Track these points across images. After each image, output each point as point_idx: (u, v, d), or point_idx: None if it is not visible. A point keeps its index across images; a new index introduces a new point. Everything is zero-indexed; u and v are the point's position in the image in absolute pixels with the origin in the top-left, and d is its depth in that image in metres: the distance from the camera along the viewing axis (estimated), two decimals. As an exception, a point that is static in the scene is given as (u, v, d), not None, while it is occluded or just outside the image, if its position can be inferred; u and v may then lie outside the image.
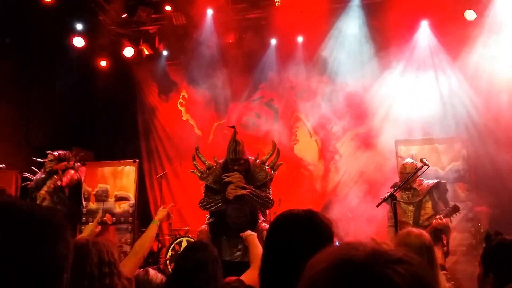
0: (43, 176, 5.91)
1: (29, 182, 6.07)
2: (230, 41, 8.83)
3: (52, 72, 8.35)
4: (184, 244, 7.06)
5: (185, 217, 8.78)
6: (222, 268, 2.38)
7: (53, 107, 8.69)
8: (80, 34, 8.66)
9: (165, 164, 9.54)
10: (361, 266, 0.64)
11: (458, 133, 7.21)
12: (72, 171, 6.02)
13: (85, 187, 7.97)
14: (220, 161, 5.08)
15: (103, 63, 9.27)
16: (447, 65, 7.93)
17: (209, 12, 8.63)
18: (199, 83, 9.37)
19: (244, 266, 2.78)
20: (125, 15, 8.90)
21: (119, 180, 8.11)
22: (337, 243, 1.02)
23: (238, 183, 4.74)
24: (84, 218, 7.66)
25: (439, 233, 5.08)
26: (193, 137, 9.38)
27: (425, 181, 5.47)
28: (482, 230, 6.29)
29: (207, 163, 5.11)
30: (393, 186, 5.40)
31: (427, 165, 4.51)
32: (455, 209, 5.16)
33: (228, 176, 4.79)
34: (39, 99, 8.54)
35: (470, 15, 7.48)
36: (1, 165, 6.57)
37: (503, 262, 1.89)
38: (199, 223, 5.51)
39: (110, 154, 9.01)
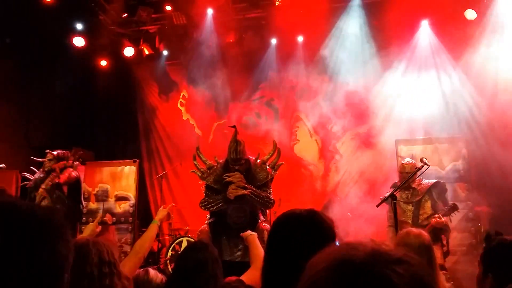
0: (42, 175, 5.90)
1: (27, 182, 6.06)
2: (231, 40, 8.83)
3: (52, 72, 8.35)
4: (184, 244, 7.06)
5: (185, 217, 8.78)
6: (223, 268, 2.38)
7: (53, 107, 8.69)
8: (80, 34, 8.66)
9: (165, 164, 9.54)
10: (360, 266, 0.64)
11: (459, 133, 7.21)
12: (70, 169, 6.01)
13: (86, 187, 7.99)
14: (221, 161, 5.08)
15: (103, 63, 9.27)
16: (448, 64, 7.93)
17: (209, 11, 8.64)
18: (199, 83, 9.38)
19: (244, 266, 2.77)
20: (125, 14, 8.91)
21: (119, 180, 8.12)
22: (337, 243, 1.02)
23: (239, 183, 4.74)
24: (84, 218, 7.66)
25: (439, 233, 5.08)
26: (193, 137, 9.38)
27: (424, 181, 5.48)
28: (482, 230, 6.29)
29: (207, 162, 5.11)
30: (392, 186, 5.40)
31: (428, 165, 4.51)
32: (454, 208, 5.17)
33: (229, 176, 4.79)
34: (39, 99, 8.54)
35: (470, 14, 7.48)
36: (1, 165, 6.57)
37: (503, 262, 1.89)
38: (199, 223, 5.51)
39: (110, 154, 9.02)
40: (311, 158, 8.97)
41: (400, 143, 7.05)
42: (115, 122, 9.94)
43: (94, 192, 8.05)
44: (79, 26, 8.69)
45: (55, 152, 5.99)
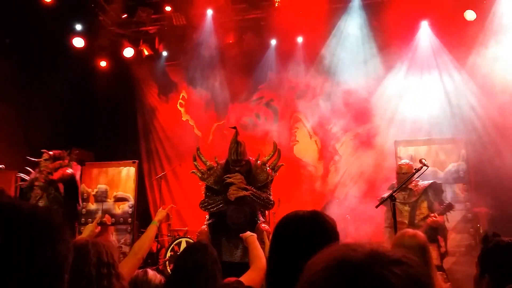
0: (37, 175, 5.87)
1: (22, 183, 6.03)
2: (230, 41, 8.84)
3: (52, 72, 8.35)
4: (183, 245, 7.05)
5: (184, 218, 8.78)
6: (222, 269, 2.38)
7: (53, 107, 8.69)
8: (80, 34, 8.67)
9: (165, 164, 9.54)
10: (359, 266, 0.65)
11: (458, 134, 7.21)
12: (65, 168, 5.95)
13: (85, 188, 7.99)
14: (221, 162, 5.08)
15: (103, 63, 9.27)
16: (447, 66, 7.94)
17: (209, 12, 8.65)
18: (199, 83, 9.39)
19: (244, 267, 2.78)
20: (125, 15, 8.91)
21: (119, 181, 8.12)
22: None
23: (240, 184, 4.75)
24: (83, 219, 7.67)
25: (435, 234, 5.08)
26: (192, 137, 9.38)
27: (421, 182, 5.48)
28: (481, 231, 6.30)
29: (208, 163, 5.12)
30: (390, 187, 5.41)
31: (427, 166, 4.52)
32: (450, 207, 5.18)
33: (230, 177, 4.80)
34: (39, 99, 8.54)
35: (470, 15, 7.49)
36: (0, 166, 6.55)
37: (500, 263, 1.89)
38: (199, 224, 5.51)
39: (109, 154, 9.01)
40: (311, 159, 8.98)
41: (399, 144, 7.06)
42: (114, 122, 9.94)
43: (93, 193, 8.05)
44: (78, 27, 8.70)
45: (51, 152, 5.97)
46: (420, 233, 2.63)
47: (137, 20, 8.86)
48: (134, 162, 8.24)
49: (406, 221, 5.25)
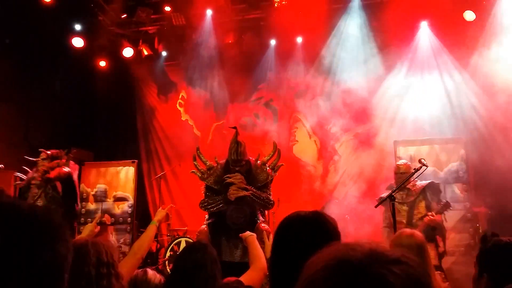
0: (35, 175, 5.86)
1: (19, 182, 6.02)
2: (230, 41, 8.84)
3: (51, 72, 8.35)
4: (182, 244, 7.05)
5: (183, 218, 8.78)
6: (222, 269, 2.38)
7: (53, 107, 8.69)
8: (79, 34, 8.67)
9: (164, 164, 9.54)
10: (358, 266, 0.65)
11: (457, 134, 7.22)
12: (62, 166, 5.94)
13: (84, 188, 7.99)
14: (221, 161, 5.09)
15: (102, 63, 9.27)
16: (447, 66, 7.95)
17: (209, 12, 8.65)
18: (198, 83, 9.39)
19: (244, 266, 2.78)
20: (125, 15, 8.91)
21: (118, 181, 8.12)
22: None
23: (240, 184, 4.76)
24: (83, 219, 7.67)
25: (433, 233, 5.09)
26: (192, 137, 9.38)
27: (419, 182, 5.49)
28: (480, 231, 6.30)
29: (208, 163, 5.12)
30: (389, 187, 5.41)
31: (426, 166, 4.52)
32: (447, 205, 5.19)
33: (230, 177, 4.81)
34: (39, 99, 8.53)
35: (469, 15, 7.49)
36: (0, 165, 6.54)
37: (498, 263, 1.90)
38: (198, 224, 5.52)
39: (109, 154, 9.02)
40: (310, 159, 8.98)
41: (398, 144, 7.07)
42: (114, 122, 9.94)
43: (93, 193, 8.05)
44: (78, 27, 8.70)
45: (49, 152, 5.96)
46: (417, 233, 2.63)
47: (136, 20, 8.86)
48: (133, 162, 8.24)
49: (404, 221, 5.26)
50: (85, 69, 9.06)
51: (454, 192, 6.53)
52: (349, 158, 8.71)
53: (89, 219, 7.17)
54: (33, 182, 5.74)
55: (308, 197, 8.26)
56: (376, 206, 4.58)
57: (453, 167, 6.70)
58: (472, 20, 7.49)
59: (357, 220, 6.61)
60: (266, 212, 5.43)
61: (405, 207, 5.40)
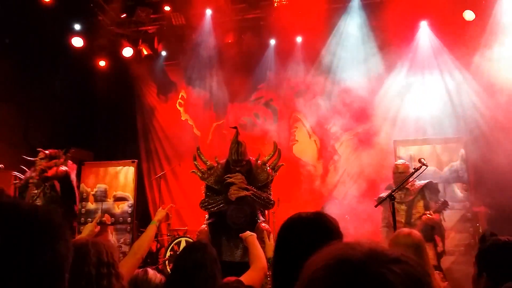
0: (33, 174, 5.86)
1: (17, 181, 6.02)
2: (229, 41, 8.83)
3: (51, 72, 8.34)
4: (182, 244, 7.06)
5: (183, 218, 8.78)
6: (222, 269, 2.38)
7: (53, 107, 8.69)
8: (79, 34, 8.67)
9: (164, 164, 9.54)
10: (358, 265, 0.65)
11: (457, 134, 7.22)
12: (60, 166, 5.93)
13: (84, 187, 7.99)
14: (221, 161, 5.09)
15: (102, 63, 9.27)
16: (447, 65, 7.95)
17: (208, 12, 8.65)
18: (198, 83, 9.39)
19: (244, 266, 2.78)
20: (124, 15, 8.91)
21: (118, 181, 8.11)
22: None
23: (241, 184, 4.76)
24: (83, 218, 7.67)
25: (432, 233, 5.09)
26: (192, 137, 9.38)
27: (417, 181, 5.49)
28: (480, 230, 6.30)
29: (208, 163, 5.12)
30: (388, 187, 5.41)
31: (426, 165, 4.53)
32: (445, 204, 5.19)
33: (230, 177, 4.81)
34: (39, 99, 8.53)
35: (468, 15, 7.49)
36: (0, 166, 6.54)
37: (496, 262, 1.91)
38: (198, 224, 5.52)
39: (109, 154, 9.02)
40: (310, 159, 8.98)
41: (398, 144, 7.07)
42: (114, 122, 9.94)
43: (93, 193, 8.04)
44: (78, 27, 8.70)
45: (47, 151, 5.96)
46: (415, 232, 2.63)
47: (136, 20, 8.86)
48: (133, 162, 8.24)
49: (403, 220, 5.26)
50: (85, 69, 9.06)
51: (454, 191, 6.53)
52: (349, 158, 8.71)
53: (89, 219, 7.17)
54: (31, 181, 5.74)
55: (308, 197, 8.25)
56: (376, 206, 4.59)
57: (453, 167, 6.70)
58: (472, 19, 7.49)
59: (357, 220, 6.61)
60: (266, 211, 5.43)
61: (403, 207, 5.40)
